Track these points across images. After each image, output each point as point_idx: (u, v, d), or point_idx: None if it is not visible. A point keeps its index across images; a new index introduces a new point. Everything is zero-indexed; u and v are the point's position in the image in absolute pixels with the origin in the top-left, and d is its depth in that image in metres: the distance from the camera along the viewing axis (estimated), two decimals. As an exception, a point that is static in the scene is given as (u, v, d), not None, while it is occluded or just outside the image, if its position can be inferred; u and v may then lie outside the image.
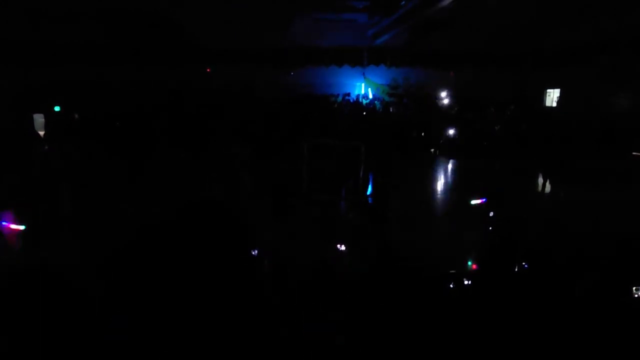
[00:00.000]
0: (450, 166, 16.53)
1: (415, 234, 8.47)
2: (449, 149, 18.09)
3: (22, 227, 6.83)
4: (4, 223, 6.84)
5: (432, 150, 18.17)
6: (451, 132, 18.60)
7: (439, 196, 12.31)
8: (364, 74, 21.85)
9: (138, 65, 19.67)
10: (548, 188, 12.35)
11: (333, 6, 17.58)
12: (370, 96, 21.75)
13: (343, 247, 7.68)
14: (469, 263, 4.21)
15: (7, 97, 17.52)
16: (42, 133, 17.62)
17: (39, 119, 18.85)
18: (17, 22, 18.10)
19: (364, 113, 19.50)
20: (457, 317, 3.12)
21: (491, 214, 6.88)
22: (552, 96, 21.46)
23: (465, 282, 4.05)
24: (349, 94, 21.45)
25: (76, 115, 18.68)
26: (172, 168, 15.07)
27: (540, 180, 13.01)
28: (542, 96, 21.80)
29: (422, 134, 18.43)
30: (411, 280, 3.17)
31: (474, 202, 6.83)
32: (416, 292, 3.04)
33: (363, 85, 21.86)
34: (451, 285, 3.95)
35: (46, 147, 14.13)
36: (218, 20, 18.95)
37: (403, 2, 15.34)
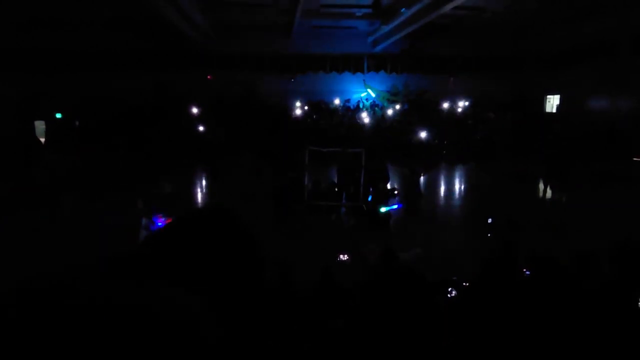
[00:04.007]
0: (449, 170, 16.54)
1: (416, 239, 8.46)
2: (449, 154, 18.13)
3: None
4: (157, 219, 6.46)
5: (432, 155, 18.16)
6: (451, 137, 18.64)
7: (440, 202, 12.31)
8: (364, 80, 21.92)
9: (140, 72, 19.72)
10: (549, 192, 12.34)
11: (333, 14, 17.68)
12: (371, 102, 21.78)
13: (344, 253, 7.67)
14: (471, 269, 4.19)
15: (12, 104, 17.59)
16: (43, 140, 17.68)
17: (40, 125, 18.92)
18: (21, 31, 18.20)
19: (365, 119, 19.55)
20: (459, 324, 3.11)
21: (490, 220, 6.87)
22: (552, 102, 21.49)
23: (467, 289, 4.03)
24: (349, 100, 21.51)
25: (77, 122, 18.76)
26: (176, 174, 15.08)
27: (541, 185, 13.00)
28: (542, 101, 21.82)
29: (422, 139, 18.43)
30: (412, 286, 3.16)
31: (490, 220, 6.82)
32: (418, 299, 3.03)
33: (364, 94, 21.88)
34: (453, 292, 3.94)
35: (48, 153, 14.16)
36: (219, 26, 19.05)
37: (403, 10, 15.41)
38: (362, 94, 21.95)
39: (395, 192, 12.06)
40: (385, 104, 21.67)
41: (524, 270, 3.96)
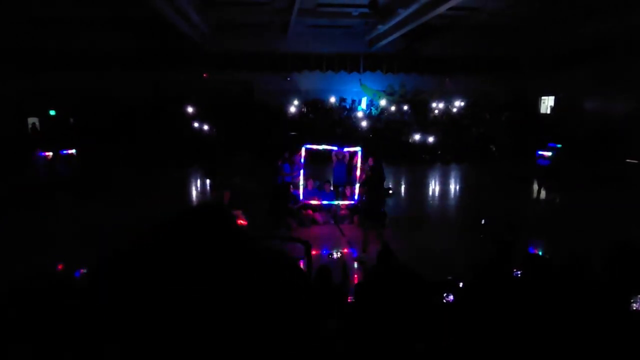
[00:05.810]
0: (446, 171, 16.60)
1: (412, 239, 8.49)
2: (445, 154, 18.20)
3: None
4: None
5: (429, 155, 18.24)
6: (447, 137, 18.70)
7: (435, 202, 12.35)
8: (360, 80, 21.89)
9: (138, 71, 19.56)
10: (543, 194, 12.42)
11: (330, 13, 17.64)
12: (367, 101, 21.77)
13: (340, 253, 7.67)
14: (466, 269, 4.21)
15: (12, 104, 17.49)
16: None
17: (33, 122, 18.76)
18: (21, 31, 18.06)
19: (361, 119, 19.58)
20: (458, 324, 3.12)
21: (483, 221, 6.91)
22: (547, 103, 21.59)
23: (463, 289, 4.05)
24: (345, 99, 21.49)
25: (71, 119, 18.61)
26: (173, 173, 15.06)
27: (535, 186, 13.08)
28: (537, 103, 21.91)
29: (418, 139, 18.51)
30: (409, 285, 3.17)
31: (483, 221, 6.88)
32: (416, 299, 3.04)
33: (359, 91, 21.86)
34: (449, 292, 3.95)
35: (40, 151, 14.03)
36: (216, 25, 18.97)
37: (399, 10, 15.42)
38: (359, 93, 21.93)
39: (390, 191, 12.09)
40: (382, 103, 21.68)
41: (514, 270, 3.98)
